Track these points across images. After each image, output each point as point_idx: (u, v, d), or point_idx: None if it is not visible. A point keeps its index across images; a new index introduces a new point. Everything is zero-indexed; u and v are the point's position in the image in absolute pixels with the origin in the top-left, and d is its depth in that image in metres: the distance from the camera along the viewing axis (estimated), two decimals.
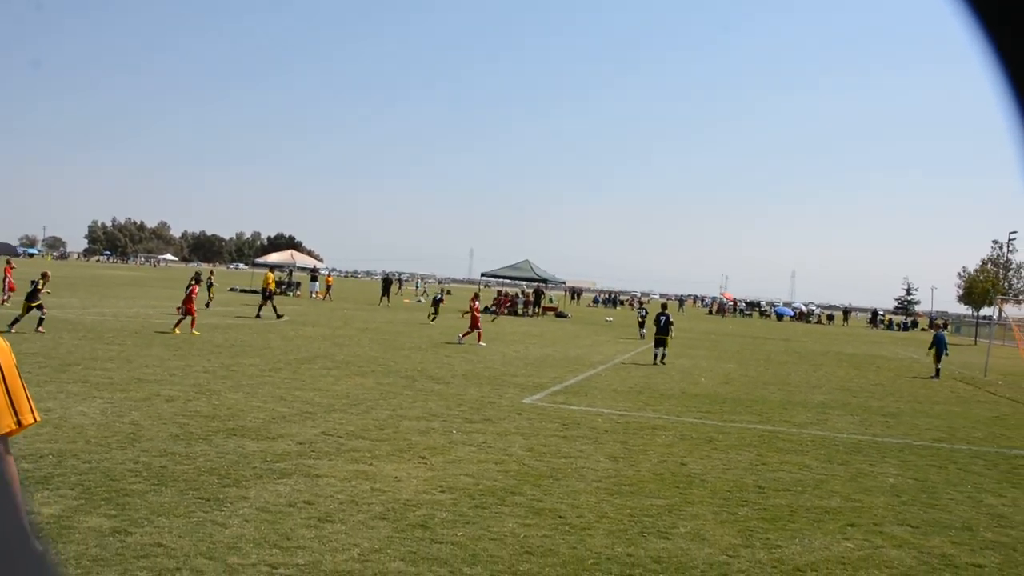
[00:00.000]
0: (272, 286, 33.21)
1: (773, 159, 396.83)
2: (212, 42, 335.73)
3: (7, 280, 28.37)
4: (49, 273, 21.69)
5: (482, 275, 57.30)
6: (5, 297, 27.85)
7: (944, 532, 7.72)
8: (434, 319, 36.13)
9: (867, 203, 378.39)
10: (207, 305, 33.24)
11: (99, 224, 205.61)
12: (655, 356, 23.50)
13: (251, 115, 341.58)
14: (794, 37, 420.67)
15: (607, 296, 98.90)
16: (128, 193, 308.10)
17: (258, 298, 33.65)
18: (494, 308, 47.04)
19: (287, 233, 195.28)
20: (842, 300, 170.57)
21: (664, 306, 25.46)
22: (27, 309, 19.34)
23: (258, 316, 30.03)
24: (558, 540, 6.48)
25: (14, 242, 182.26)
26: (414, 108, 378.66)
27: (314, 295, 52.23)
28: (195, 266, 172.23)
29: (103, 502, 6.47)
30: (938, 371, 25.13)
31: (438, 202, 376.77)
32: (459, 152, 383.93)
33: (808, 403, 16.88)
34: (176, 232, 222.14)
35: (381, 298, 50.26)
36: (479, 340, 25.57)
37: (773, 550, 6.70)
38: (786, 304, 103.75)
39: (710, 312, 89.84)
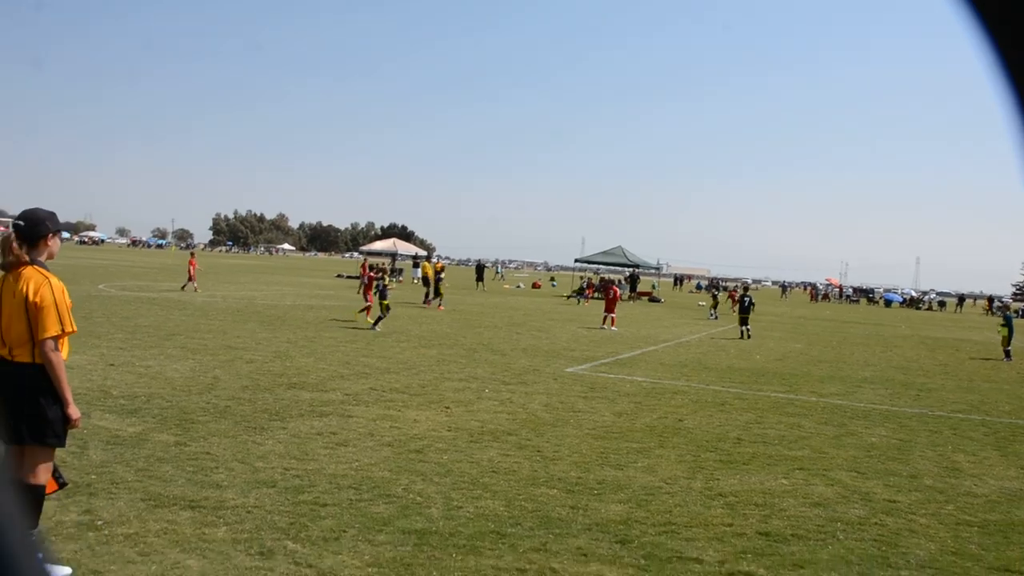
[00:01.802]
0: (431, 274, 34.74)
1: (895, 142, 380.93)
2: (325, 36, 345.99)
3: (192, 270, 31.37)
4: (386, 267, 24.02)
5: (576, 261, 58.69)
6: (194, 286, 30.76)
7: (886, 478, 8.75)
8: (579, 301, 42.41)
9: (997, 186, 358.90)
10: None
11: (222, 216, 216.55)
12: (741, 332, 26.55)
13: (368, 106, 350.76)
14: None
15: (710, 282, 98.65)
16: (249, 186, 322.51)
17: (351, 283, 35.95)
18: (583, 293, 48.24)
19: (400, 223, 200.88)
20: (971, 287, 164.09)
21: (746, 288, 28.66)
22: (385, 308, 21.25)
23: (426, 303, 31.88)
24: (524, 465, 7.97)
25: (146, 234, 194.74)
26: (528, 98, 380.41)
27: (416, 281, 54.73)
28: (312, 256, 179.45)
29: (174, 426, 8.41)
30: (1008, 352, 25.16)
31: (551, 190, 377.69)
32: (579, 140, 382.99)
33: (849, 378, 17.67)
34: (294, 223, 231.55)
35: (477, 283, 52.34)
36: (612, 324, 26.87)
37: (709, 482, 7.98)
38: (895, 290, 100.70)
39: (813, 299, 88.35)
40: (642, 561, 5.61)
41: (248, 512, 5.92)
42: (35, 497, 4.66)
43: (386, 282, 22.22)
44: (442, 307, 30.47)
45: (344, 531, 5.68)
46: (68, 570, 4.68)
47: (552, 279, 79.28)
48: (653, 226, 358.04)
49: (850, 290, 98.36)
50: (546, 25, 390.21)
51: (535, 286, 68.18)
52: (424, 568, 5.16)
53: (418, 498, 6.60)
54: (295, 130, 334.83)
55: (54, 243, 4.90)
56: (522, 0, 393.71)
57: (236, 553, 5.16)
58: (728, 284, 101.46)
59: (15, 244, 4.72)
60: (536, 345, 19.88)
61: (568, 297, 44.26)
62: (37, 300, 4.60)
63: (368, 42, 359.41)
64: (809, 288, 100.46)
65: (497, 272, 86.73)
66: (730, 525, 6.58)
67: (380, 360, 14.99)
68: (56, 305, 4.64)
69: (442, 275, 32.56)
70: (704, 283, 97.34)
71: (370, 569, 5.08)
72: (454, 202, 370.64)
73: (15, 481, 4.60)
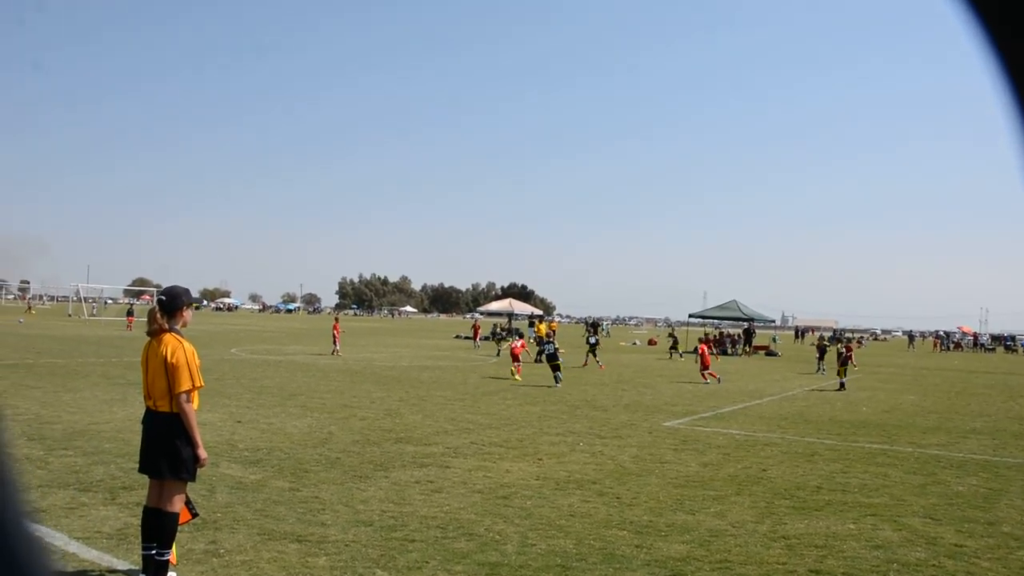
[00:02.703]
0: (543, 334, 36.11)
1: None
2: (437, 91, 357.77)
3: (336, 334, 34.11)
4: (503, 328, 26.52)
5: (690, 316, 58.61)
6: (336, 349, 33.42)
7: (961, 524, 8.90)
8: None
9: None
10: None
11: (347, 280, 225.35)
12: (841, 384, 26.87)
13: (485, 164, 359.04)
14: None
15: (832, 334, 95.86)
16: (373, 250, 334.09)
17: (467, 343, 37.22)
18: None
19: (520, 282, 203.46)
20: None
21: (840, 341, 29.48)
22: (555, 368, 24.05)
23: (538, 360, 32.82)
24: (601, 509, 8.65)
25: (274, 299, 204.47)
26: (644, 150, 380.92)
27: (531, 340, 55.79)
28: (433, 317, 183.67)
29: (289, 475, 9.54)
30: None
31: (674, 244, 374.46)
32: (704, 193, 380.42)
33: (956, 429, 17.40)
34: (416, 285, 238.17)
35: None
36: (715, 378, 27.53)
37: (776, 527, 8.43)
38: None
39: (941, 348, 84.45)
40: None
41: (346, 545, 6.88)
42: (171, 523, 5.75)
43: (556, 347, 24.99)
44: (603, 366, 32.49)
45: (427, 562, 6.54)
46: None
47: (670, 335, 78.96)
48: (782, 277, 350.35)
49: (986, 337, 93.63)
50: (667, 76, 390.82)
51: (651, 343, 68.08)
52: None
53: (497, 537, 7.40)
54: (418, 192, 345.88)
55: (188, 314, 6.08)
56: (657, 45, 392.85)
57: None
58: (853, 336, 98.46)
59: (158, 315, 5.91)
60: (639, 401, 20.40)
61: (673, 353, 44.38)
62: (173, 361, 5.75)
63: (484, 93, 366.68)
64: (935, 337, 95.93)
65: (602, 329, 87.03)
66: (784, 564, 7.08)
67: (484, 417, 15.90)
68: (188, 365, 5.78)
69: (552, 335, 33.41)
70: (827, 335, 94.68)
71: None
72: (573, 260, 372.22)
73: (151, 510, 5.76)
